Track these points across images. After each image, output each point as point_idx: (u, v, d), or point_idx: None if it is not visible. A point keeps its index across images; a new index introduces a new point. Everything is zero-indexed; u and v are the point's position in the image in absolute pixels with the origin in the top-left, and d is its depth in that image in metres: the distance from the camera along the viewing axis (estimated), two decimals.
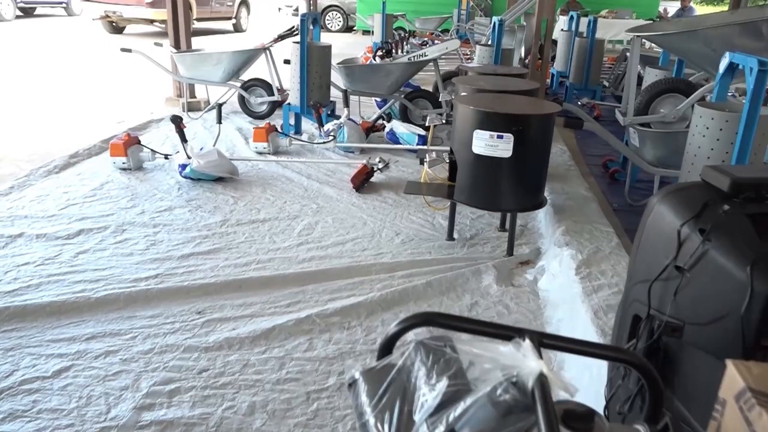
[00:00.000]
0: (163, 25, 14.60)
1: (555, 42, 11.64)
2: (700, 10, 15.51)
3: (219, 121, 4.61)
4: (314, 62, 5.20)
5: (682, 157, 3.48)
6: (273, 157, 4.78)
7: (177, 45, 6.49)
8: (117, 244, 3.27)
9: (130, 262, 3.08)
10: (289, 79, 5.40)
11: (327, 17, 17.95)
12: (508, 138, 3.01)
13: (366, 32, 16.50)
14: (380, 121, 5.49)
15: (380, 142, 5.41)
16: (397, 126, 5.29)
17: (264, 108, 6.25)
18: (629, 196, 4.24)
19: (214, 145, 4.62)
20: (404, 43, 10.71)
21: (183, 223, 3.60)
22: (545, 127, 3.12)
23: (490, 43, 5.88)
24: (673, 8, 16.87)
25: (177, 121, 4.20)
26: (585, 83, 7.27)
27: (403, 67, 5.65)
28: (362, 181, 4.24)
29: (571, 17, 8.03)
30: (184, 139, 4.24)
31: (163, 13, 13.94)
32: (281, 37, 6.03)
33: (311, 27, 5.31)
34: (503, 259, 3.26)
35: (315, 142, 5.01)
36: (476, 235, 3.63)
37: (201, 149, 4.36)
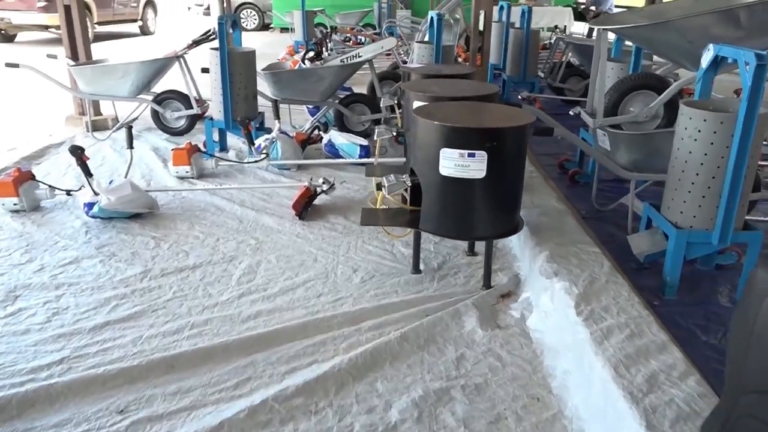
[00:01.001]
0: (60, 32, 13.36)
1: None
2: None
3: (130, 146, 3.94)
4: (237, 71, 4.59)
5: (659, 160, 3.17)
6: (199, 184, 4.15)
7: (74, 56, 5.68)
8: (7, 319, 2.60)
9: (25, 344, 2.43)
10: (209, 89, 4.76)
11: (241, 15, 17.07)
12: (482, 156, 2.57)
13: (284, 30, 15.78)
14: (316, 132, 4.95)
15: (318, 155, 4.88)
16: (336, 137, 4.77)
17: (182, 123, 5.56)
18: (596, 201, 3.92)
19: (126, 175, 3.95)
20: (327, 40, 10.17)
21: (93, 279, 2.95)
22: (521, 140, 2.70)
23: (427, 39, 5.45)
24: None
25: (77, 152, 3.51)
26: (523, 76, 6.99)
27: (337, 70, 5.13)
28: (305, 206, 3.71)
29: (501, 7, 7.74)
30: (88, 173, 3.56)
31: (59, 18, 12.87)
32: (196, 43, 5.37)
33: (230, 30, 4.70)
34: (481, 293, 2.83)
35: (245, 161, 4.42)
36: (444, 263, 3.18)
37: (110, 182, 3.69)
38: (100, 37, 14.07)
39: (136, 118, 5.87)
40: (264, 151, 4.34)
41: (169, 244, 3.34)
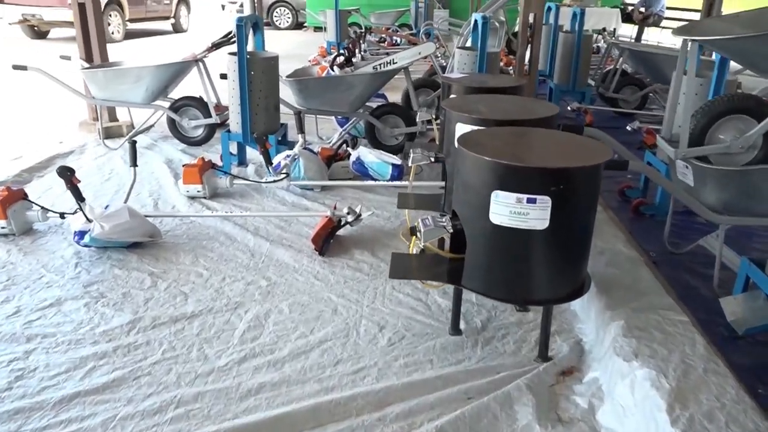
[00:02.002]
0: None
1: (515, 35, 10.81)
2: None
3: (133, 164, 3.50)
4: (258, 78, 4.11)
5: (759, 202, 2.57)
6: (209, 209, 3.67)
7: (89, 58, 5.29)
8: None
9: None
10: (227, 97, 4.30)
11: (275, 14, 16.73)
12: (545, 202, 2.03)
13: (318, 29, 15.35)
14: (344, 148, 4.44)
15: (345, 174, 4.37)
16: (365, 154, 4.26)
17: (200, 132, 5.12)
18: (668, 241, 3.33)
19: (126, 198, 3.50)
20: (361, 41, 9.66)
21: (73, 329, 2.50)
22: (594, 182, 2.15)
23: (470, 45, 4.89)
24: None
25: (66, 175, 3.07)
26: (572, 85, 6.38)
27: (368, 79, 4.62)
28: (326, 240, 3.21)
29: (549, 9, 7.13)
30: (79, 198, 3.11)
31: None
32: (216, 46, 4.92)
33: (251, 33, 4.23)
34: (537, 368, 2.28)
35: (263, 180, 3.93)
36: (489, 320, 2.64)
37: (106, 207, 3.25)
38: (132, 35, 13.85)
39: (152, 126, 5.46)
40: (283, 171, 3.85)
41: (167, 284, 2.88)
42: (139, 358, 2.33)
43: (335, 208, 3.33)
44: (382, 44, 11.79)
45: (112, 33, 12.90)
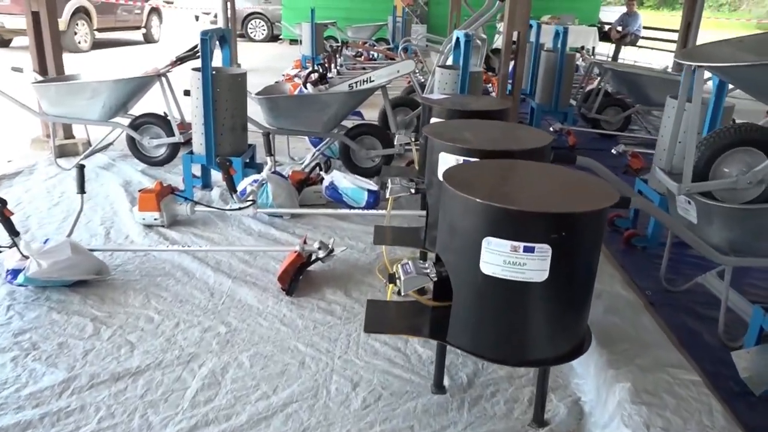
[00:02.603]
0: None
1: (498, 51, 10.67)
2: (649, 14, 14.98)
3: (80, 190, 3.15)
4: (223, 96, 3.80)
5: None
6: (162, 245, 3.32)
7: (43, 70, 4.92)
8: None
9: None
10: (191, 115, 3.97)
11: (250, 26, 16.42)
12: (544, 251, 1.76)
13: (293, 42, 15.09)
14: (316, 171, 4.14)
15: (317, 199, 4.06)
16: (340, 179, 3.96)
17: (162, 152, 4.78)
18: (665, 278, 3.09)
19: (70, 231, 3.14)
20: (337, 55, 9.42)
21: None
22: (599, 228, 1.88)
23: (450, 63, 4.65)
24: (615, 13, 16.33)
25: None
26: (554, 105, 6.18)
27: (343, 98, 4.33)
28: (294, 278, 2.89)
29: (531, 26, 6.95)
30: (13, 232, 2.75)
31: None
32: (180, 60, 4.59)
33: (218, 47, 3.92)
34: None
35: (228, 208, 3.60)
36: (476, 375, 2.35)
37: (46, 241, 2.89)
38: (100, 44, 13.41)
39: (110, 144, 5.10)
40: (250, 198, 3.53)
41: (111, 331, 2.53)
42: (70, 429, 1.98)
43: (305, 242, 3.02)
44: (358, 59, 11.56)
45: (79, 43, 12.46)
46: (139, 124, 4.68)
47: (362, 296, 2.89)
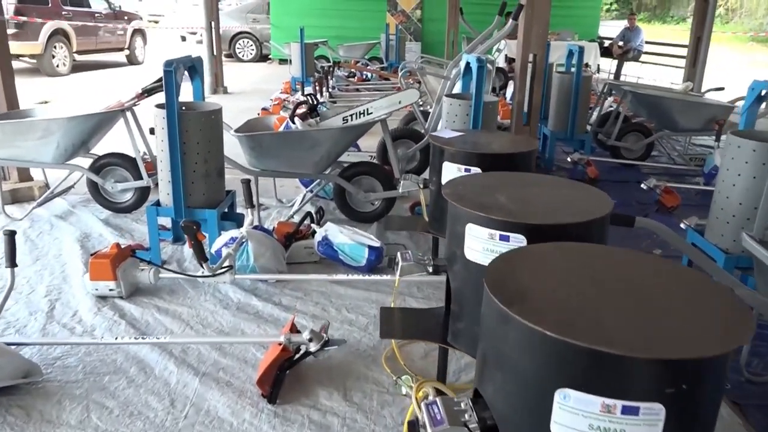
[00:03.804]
0: (34, 60, 12.10)
1: (502, 71, 10.12)
2: (649, 28, 14.55)
3: (10, 263, 2.50)
4: (194, 138, 3.18)
5: None
6: (108, 337, 2.64)
7: None
8: None
9: None
10: (157, 152, 3.32)
11: (238, 45, 15.87)
12: (653, 413, 1.13)
13: (283, 62, 14.53)
14: (306, 223, 3.51)
15: (307, 256, 3.43)
16: (335, 233, 3.33)
17: (129, 197, 4.15)
18: (746, 367, 2.47)
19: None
20: (329, 77, 8.84)
21: None
22: (725, 365, 1.26)
23: (460, 91, 4.05)
24: (613, 28, 15.91)
25: None
26: (570, 132, 5.59)
27: (337, 134, 3.72)
28: (278, 379, 2.25)
29: None
30: None
31: (32, 47, 11.57)
32: (147, 92, 3.98)
33: (185, 79, 3.30)
34: None
35: (199, 275, 2.96)
36: None
37: None
38: (81, 67, 12.80)
39: (71, 187, 4.45)
40: (226, 264, 2.89)
41: None
42: None
43: (292, 328, 2.38)
44: (351, 79, 11.00)
45: (57, 66, 11.86)
46: (101, 166, 4.05)
47: (366, 401, 2.26)
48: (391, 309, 2.37)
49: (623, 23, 16.58)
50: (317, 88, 7.43)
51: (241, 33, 15.83)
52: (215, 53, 10.14)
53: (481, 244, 1.89)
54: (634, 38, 12.85)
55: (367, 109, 3.89)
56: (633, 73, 12.90)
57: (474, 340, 2.01)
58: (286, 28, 14.47)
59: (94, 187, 4.11)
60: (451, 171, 2.94)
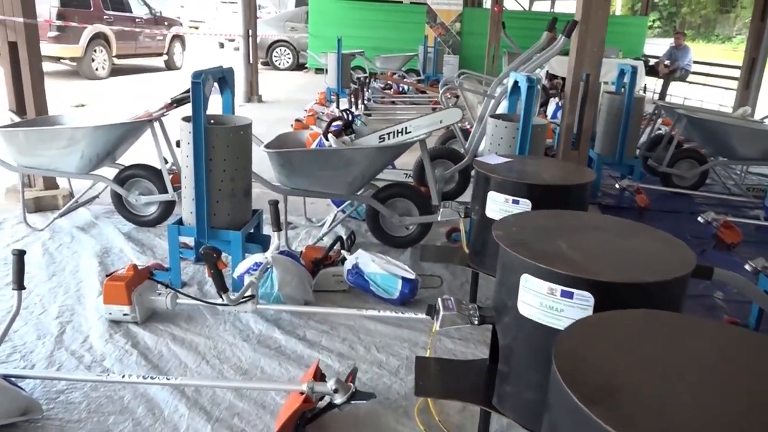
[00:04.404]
0: (74, 63, 12.21)
1: (543, 87, 9.78)
2: (693, 47, 14.05)
3: (18, 286, 2.31)
4: (220, 154, 2.98)
5: None
6: (114, 375, 2.42)
7: (21, 109, 4.18)
8: None
9: None
10: (182, 167, 3.12)
11: (275, 54, 15.85)
12: None
13: (319, 71, 14.43)
14: (336, 248, 3.28)
15: (335, 285, 3.19)
16: (366, 261, 3.08)
17: (153, 210, 3.98)
18: None
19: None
20: (365, 89, 8.64)
21: None
22: None
23: (506, 111, 3.79)
24: (656, 45, 15.42)
25: None
26: (619, 157, 5.26)
27: (373, 153, 3.49)
28: None
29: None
30: None
31: (73, 50, 11.68)
32: (177, 102, 3.81)
33: (214, 91, 3.11)
34: None
35: (219, 303, 2.74)
36: None
37: None
38: (119, 71, 12.89)
39: (95, 198, 4.31)
40: (248, 293, 2.67)
41: None
42: None
43: (316, 375, 2.14)
44: (387, 91, 10.79)
45: (96, 69, 11.94)
46: (126, 177, 3.89)
47: None
48: (428, 360, 2.11)
49: (667, 41, 16.11)
50: (352, 100, 7.22)
51: (278, 41, 15.81)
52: (251, 61, 10.04)
53: (539, 299, 1.62)
54: (682, 57, 12.38)
55: (406, 128, 3.65)
56: (679, 93, 12.43)
57: (525, 407, 1.75)
58: (323, 38, 14.38)
59: (117, 199, 3.95)
60: (497, 202, 2.68)
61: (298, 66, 16.00)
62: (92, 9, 11.89)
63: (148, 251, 3.64)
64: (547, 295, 1.60)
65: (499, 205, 2.67)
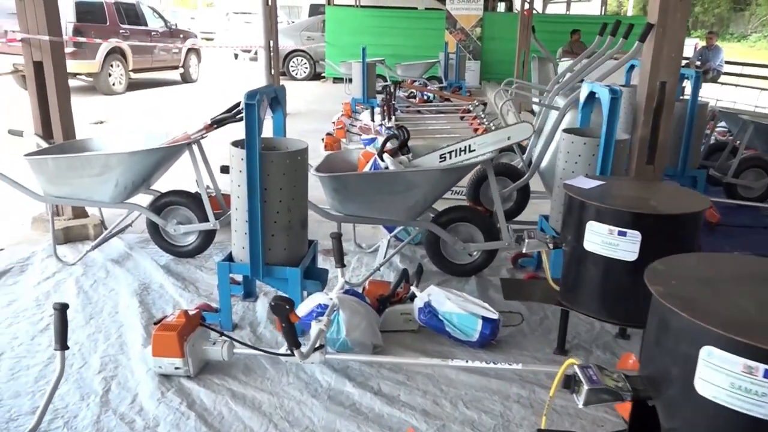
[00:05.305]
0: (91, 79, 12.00)
1: None
2: (728, 47, 13.63)
3: (61, 346, 2.00)
4: (276, 183, 2.66)
5: None
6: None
7: (48, 133, 3.90)
8: None
9: None
10: (232, 198, 2.80)
11: (291, 64, 15.58)
12: None
13: (337, 80, 14.15)
14: (404, 284, 2.94)
15: (403, 324, 2.85)
16: (441, 299, 2.74)
17: (191, 240, 3.67)
18: None
19: (35, 426, 1.98)
20: (392, 100, 8.31)
21: None
22: None
23: (578, 125, 3.45)
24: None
25: None
26: (681, 168, 4.90)
27: (437, 177, 3.15)
28: None
29: (632, 67, 5.72)
30: None
31: (89, 65, 11.46)
32: (217, 123, 3.50)
33: (268, 112, 2.80)
34: None
35: (283, 353, 2.41)
36: None
37: None
38: (135, 86, 12.67)
39: (128, 226, 4.01)
40: (318, 344, 2.34)
41: None
42: None
43: None
44: (412, 100, 10.48)
45: (113, 84, 11.72)
46: (162, 205, 3.59)
47: None
48: None
49: (691, 42, 15.70)
50: (385, 111, 6.92)
51: (295, 51, 15.54)
52: (272, 72, 9.76)
53: (729, 379, 1.28)
54: (714, 58, 12.00)
55: (469, 146, 3.32)
56: (710, 95, 12.02)
57: None
58: (341, 47, 14.12)
59: (153, 228, 3.65)
60: (598, 233, 2.34)
61: (315, 76, 15.73)
62: (108, 23, 11.69)
63: (191, 286, 3.33)
64: (743, 374, 1.26)
65: (601, 237, 2.34)
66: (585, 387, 1.50)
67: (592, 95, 3.31)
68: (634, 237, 2.27)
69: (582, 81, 4.55)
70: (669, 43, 3.51)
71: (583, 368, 1.56)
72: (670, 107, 3.61)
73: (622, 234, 2.29)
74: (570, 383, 1.54)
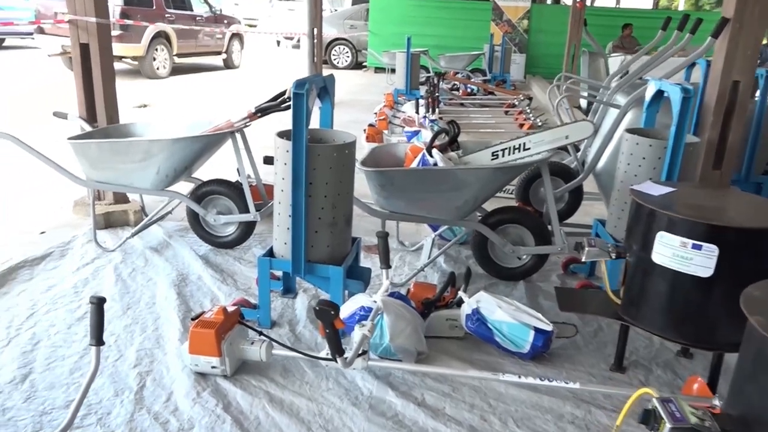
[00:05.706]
0: (136, 62, 12.11)
1: None
2: None
3: (96, 341, 1.92)
4: (322, 177, 2.54)
5: None
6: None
7: (92, 117, 3.86)
8: None
9: None
10: (274, 186, 2.69)
11: (333, 52, 15.48)
12: None
13: (379, 69, 14.01)
14: (451, 288, 2.79)
15: (449, 331, 2.70)
16: (490, 306, 2.59)
17: (231, 231, 3.59)
18: None
19: (66, 425, 1.90)
20: (436, 92, 8.11)
21: None
22: None
23: (642, 124, 3.23)
24: None
25: None
26: (745, 173, 4.61)
27: (489, 175, 2.98)
28: None
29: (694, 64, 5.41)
30: None
31: (135, 49, 11.54)
32: (261, 112, 3.39)
33: (316, 102, 2.68)
34: None
35: (324, 357, 2.30)
36: None
37: None
38: (179, 70, 12.75)
39: (169, 213, 3.95)
40: (363, 350, 2.21)
41: None
42: None
43: None
44: (455, 92, 10.26)
45: (157, 68, 11.81)
46: (203, 194, 3.51)
47: None
48: None
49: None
50: (430, 103, 6.74)
51: (337, 39, 15.43)
52: (315, 60, 9.66)
53: None
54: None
55: (524, 144, 3.13)
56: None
57: None
58: (384, 36, 13.96)
59: (193, 218, 3.58)
60: (669, 245, 2.15)
61: (357, 65, 15.60)
62: (154, 7, 11.76)
63: (229, 279, 3.25)
64: None
65: (672, 250, 2.14)
66: (667, 425, 1.33)
67: (659, 94, 3.09)
68: (711, 251, 2.08)
69: (640, 78, 4.33)
70: (745, 40, 3.26)
71: (664, 402, 1.39)
72: (743, 108, 3.35)
73: (696, 247, 2.09)
74: (648, 419, 1.37)
